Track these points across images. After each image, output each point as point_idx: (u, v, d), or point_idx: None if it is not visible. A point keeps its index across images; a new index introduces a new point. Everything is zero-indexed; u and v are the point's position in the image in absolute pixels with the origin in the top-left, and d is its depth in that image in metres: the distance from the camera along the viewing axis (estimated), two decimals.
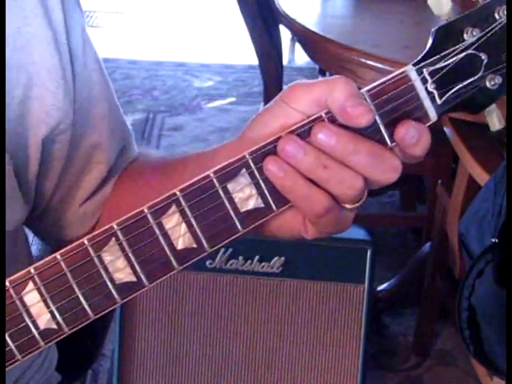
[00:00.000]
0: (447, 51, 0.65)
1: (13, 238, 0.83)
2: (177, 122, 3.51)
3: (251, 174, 0.64)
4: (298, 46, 3.69)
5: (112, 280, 0.63)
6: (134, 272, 0.64)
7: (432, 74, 0.65)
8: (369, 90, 0.64)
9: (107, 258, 0.63)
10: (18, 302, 0.63)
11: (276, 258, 1.49)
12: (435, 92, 0.65)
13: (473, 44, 0.65)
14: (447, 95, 0.65)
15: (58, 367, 1.04)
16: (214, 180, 0.64)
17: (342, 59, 1.81)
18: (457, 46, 0.65)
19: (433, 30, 0.65)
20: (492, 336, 1.36)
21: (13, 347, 0.63)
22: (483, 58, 0.65)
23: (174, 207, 0.63)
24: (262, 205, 0.65)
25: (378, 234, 2.48)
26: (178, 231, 0.64)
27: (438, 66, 0.65)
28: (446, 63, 0.65)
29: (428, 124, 0.66)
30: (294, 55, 4.12)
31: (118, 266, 0.63)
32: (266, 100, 2.41)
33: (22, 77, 0.77)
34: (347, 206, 0.66)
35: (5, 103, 0.76)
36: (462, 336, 1.39)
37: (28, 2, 0.78)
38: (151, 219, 0.63)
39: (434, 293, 2.07)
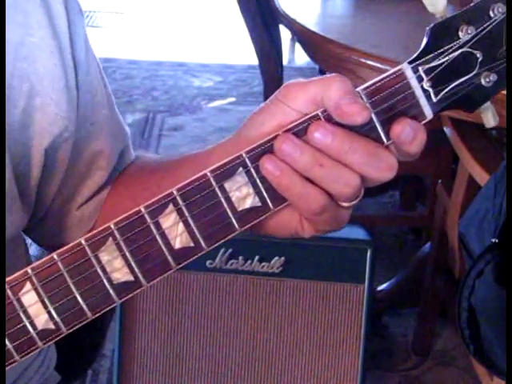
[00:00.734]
0: (442, 49, 0.65)
1: (12, 246, 0.83)
2: (177, 122, 3.51)
3: (248, 173, 0.64)
4: (298, 45, 3.69)
5: (109, 280, 0.63)
6: (132, 271, 0.64)
7: (427, 71, 0.65)
8: (365, 89, 0.64)
9: (104, 257, 0.63)
10: (15, 303, 0.63)
11: (276, 258, 1.49)
12: (431, 90, 0.65)
13: (468, 42, 0.65)
14: (443, 93, 0.66)
15: (58, 367, 1.04)
16: (211, 179, 0.64)
17: (342, 59, 1.81)
18: (452, 44, 0.65)
19: (428, 27, 0.65)
20: (492, 336, 1.36)
21: (11, 348, 0.63)
22: (478, 55, 0.66)
23: (171, 206, 0.63)
24: (259, 203, 0.65)
25: (378, 234, 2.48)
26: (175, 230, 0.64)
27: (433, 64, 0.65)
28: (441, 61, 0.65)
29: (424, 122, 0.66)
30: (294, 55, 4.12)
31: (116, 266, 0.63)
32: (266, 100, 2.41)
33: (24, 86, 0.78)
34: (343, 204, 0.66)
35: (5, 105, 0.76)
36: (462, 336, 1.39)
37: (33, 13, 0.78)
38: (148, 219, 0.63)
39: (434, 293, 2.07)
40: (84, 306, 0.63)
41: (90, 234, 0.63)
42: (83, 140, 0.84)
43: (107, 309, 0.64)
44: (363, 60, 1.76)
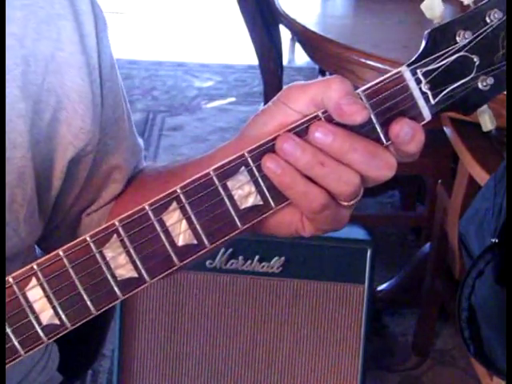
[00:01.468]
0: (440, 53, 0.67)
1: (24, 255, 0.84)
2: (177, 122, 3.51)
3: (250, 172, 0.65)
4: (298, 45, 3.69)
5: (114, 276, 0.64)
6: (136, 268, 0.64)
7: (426, 74, 0.67)
8: (364, 90, 0.65)
9: (109, 254, 0.64)
10: (21, 298, 0.63)
11: (276, 258, 1.49)
12: (429, 92, 0.67)
13: (465, 46, 0.67)
14: (440, 95, 0.67)
15: (59, 367, 1.04)
16: (214, 177, 0.64)
17: (342, 59, 1.81)
18: (449, 48, 0.67)
19: (426, 32, 0.67)
20: (492, 336, 1.36)
21: (16, 343, 0.64)
22: (475, 59, 0.67)
23: (174, 204, 0.64)
24: (261, 202, 0.66)
25: (378, 234, 2.48)
26: (179, 228, 0.64)
27: (431, 67, 0.67)
28: (439, 64, 0.67)
29: (422, 123, 0.67)
30: (294, 55, 4.13)
31: (120, 262, 0.64)
32: (266, 100, 2.42)
33: (51, 100, 0.79)
34: (344, 203, 0.67)
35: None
36: (462, 336, 1.39)
37: (64, 29, 0.79)
38: (152, 216, 0.64)
39: (434, 293, 2.07)
40: (88, 302, 0.64)
41: (95, 230, 0.64)
42: (103, 154, 0.86)
43: (111, 305, 0.65)
44: (363, 60, 1.76)
